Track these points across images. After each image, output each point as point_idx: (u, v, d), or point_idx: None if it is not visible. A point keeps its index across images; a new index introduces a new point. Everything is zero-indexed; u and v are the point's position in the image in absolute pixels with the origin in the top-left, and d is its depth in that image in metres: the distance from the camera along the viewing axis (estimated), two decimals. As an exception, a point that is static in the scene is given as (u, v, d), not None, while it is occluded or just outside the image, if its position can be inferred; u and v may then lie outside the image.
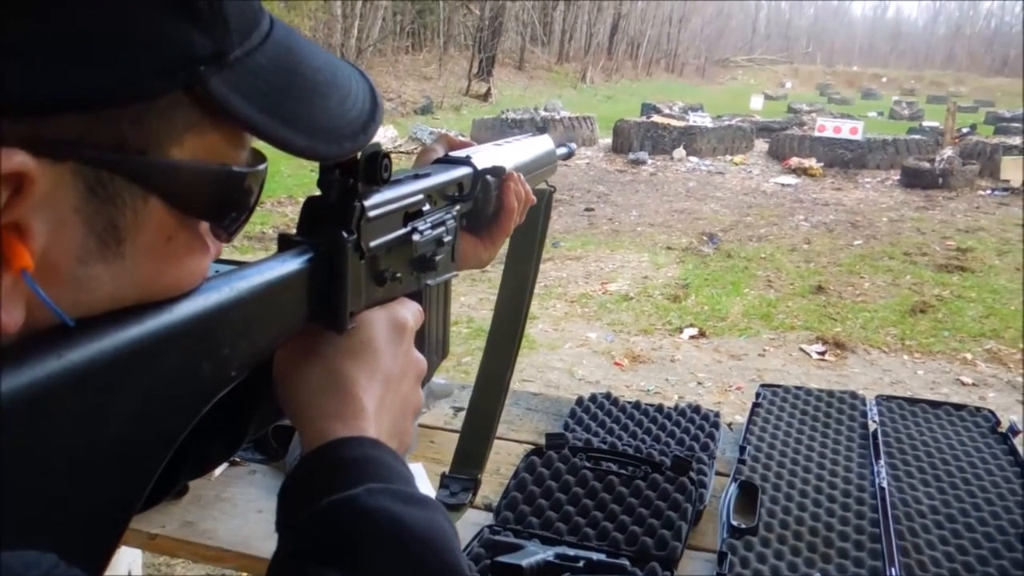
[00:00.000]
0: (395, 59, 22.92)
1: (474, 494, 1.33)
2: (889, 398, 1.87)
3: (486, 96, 22.04)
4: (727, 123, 14.86)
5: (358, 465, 0.50)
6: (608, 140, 14.13)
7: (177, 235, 0.43)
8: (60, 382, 0.36)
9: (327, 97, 0.47)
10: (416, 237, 0.64)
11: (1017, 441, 1.68)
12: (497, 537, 1.27)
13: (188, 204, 0.42)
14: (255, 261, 0.51)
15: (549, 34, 34.09)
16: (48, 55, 0.34)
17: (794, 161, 12.43)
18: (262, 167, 0.47)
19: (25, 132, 0.34)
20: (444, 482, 1.34)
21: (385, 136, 13.10)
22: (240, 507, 1.39)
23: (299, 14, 17.14)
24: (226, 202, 0.45)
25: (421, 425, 1.71)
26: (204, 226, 0.45)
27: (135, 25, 0.36)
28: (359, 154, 0.55)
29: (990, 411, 1.81)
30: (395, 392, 0.58)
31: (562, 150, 1.12)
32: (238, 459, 1.51)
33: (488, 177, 0.80)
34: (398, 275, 0.62)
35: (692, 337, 5.29)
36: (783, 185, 11.38)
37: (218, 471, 1.48)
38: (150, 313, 0.42)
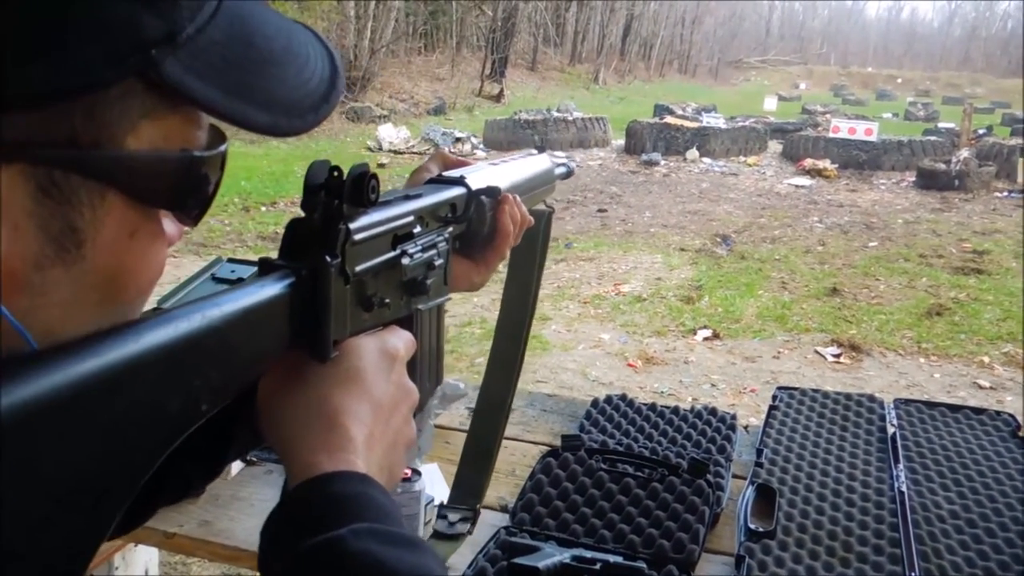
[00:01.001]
0: (408, 60, 22.97)
1: (473, 524, 1.31)
2: (907, 401, 1.86)
3: (498, 97, 22.05)
4: (740, 124, 14.81)
5: (344, 503, 0.47)
6: (621, 141, 14.11)
7: (141, 228, 0.40)
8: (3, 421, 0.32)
9: (284, 68, 0.44)
10: (405, 261, 0.62)
11: (1038, 445, 1.66)
12: (513, 539, 1.26)
13: (149, 195, 0.40)
14: (233, 287, 0.48)
15: (562, 35, 34.08)
16: None
17: (808, 162, 12.38)
18: (223, 147, 0.45)
19: None
20: (442, 512, 1.32)
21: (398, 137, 13.13)
22: (256, 507, 1.39)
23: (312, 15, 17.19)
24: (189, 188, 0.42)
25: (436, 426, 1.71)
26: (163, 213, 0.43)
27: (79, 11, 0.34)
28: (345, 175, 0.52)
29: (1010, 415, 1.80)
30: (386, 424, 0.55)
31: (560, 169, 1.08)
32: (254, 459, 1.51)
33: (483, 198, 0.77)
34: (387, 300, 0.59)
35: (706, 339, 5.27)
36: (797, 186, 11.32)
37: (234, 471, 1.48)
38: (108, 343, 0.38)
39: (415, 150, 12.45)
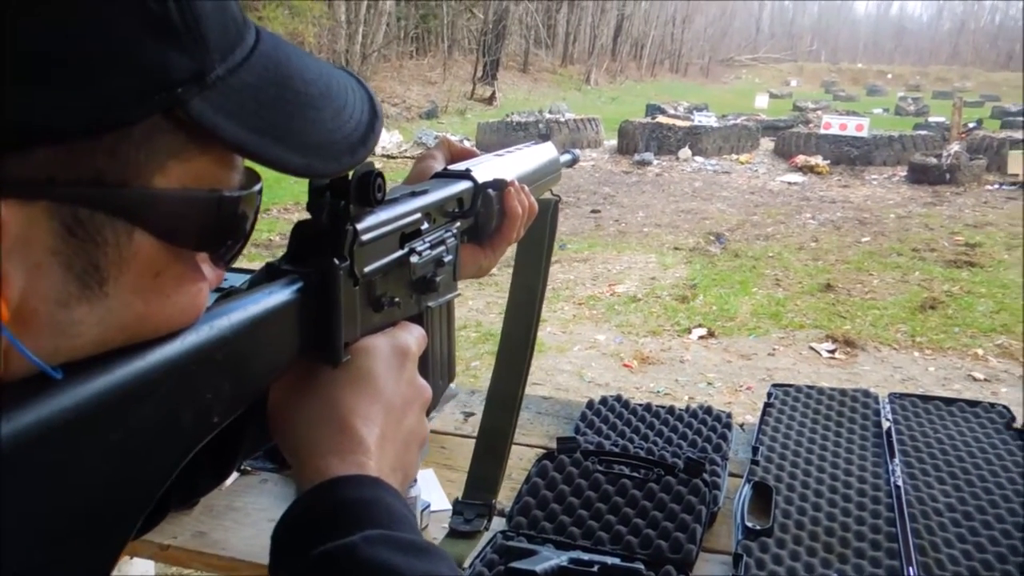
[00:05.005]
0: (399, 64, 22.98)
1: (489, 520, 1.31)
2: (902, 396, 1.85)
3: (491, 100, 22.07)
4: (732, 122, 14.83)
5: (356, 508, 0.47)
6: (613, 141, 14.12)
7: (167, 270, 0.40)
8: (15, 443, 0.32)
9: (321, 111, 0.44)
10: (414, 259, 0.61)
11: (1033, 437, 1.66)
12: (510, 543, 1.26)
13: (178, 235, 0.39)
14: (241, 294, 0.48)
15: (553, 37, 34.12)
16: (10, 85, 0.31)
17: (800, 159, 12.40)
18: (256, 188, 0.45)
19: None
20: (457, 508, 1.32)
21: (391, 141, 13.12)
22: (252, 516, 1.38)
23: (303, 20, 17.19)
24: (220, 230, 0.42)
25: (431, 431, 1.70)
26: (201, 255, 0.43)
27: (105, 48, 0.33)
28: (350, 174, 0.52)
29: (1005, 407, 1.80)
30: (398, 423, 0.55)
31: (566, 157, 1.07)
32: (249, 468, 1.51)
33: (490, 191, 0.77)
34: (396, 299, 0.59)
35: (701, 337, 5.28)
36: (790, 183, 11.35)
37: (229, 481, 1.48)
38: (119, 361, 0.38)
39: (408, 154, 12.44)
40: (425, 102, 19.35)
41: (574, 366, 4.74)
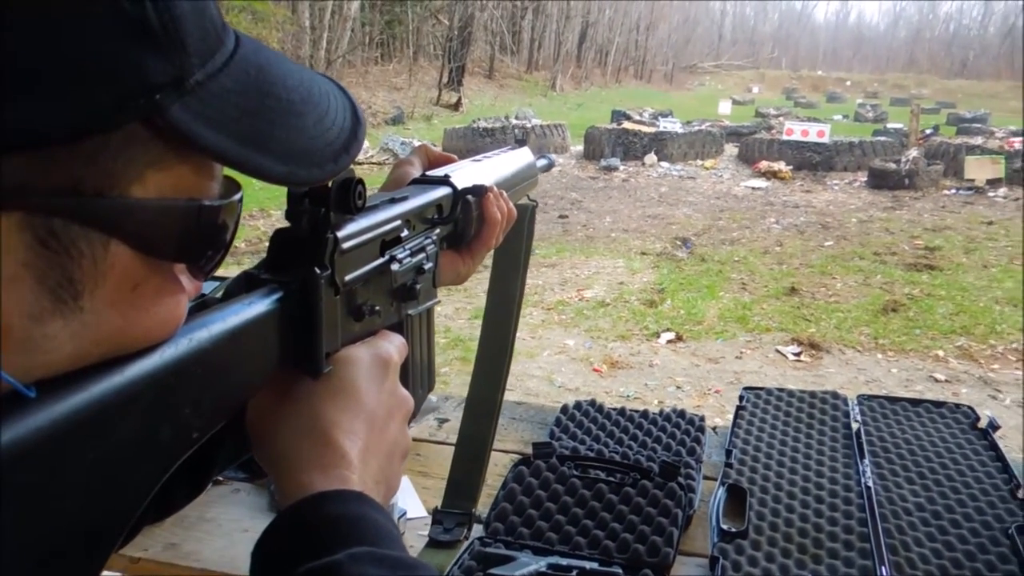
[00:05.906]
0: (365, 70, 22.89)
1: (469, 529, 1.30)
2: (870, 397, 1.88)
3: (457, 105, 22.07)
4: (697, 128, 15.00)
5: (340, 525, 0.46)
6: (580, 147, 14.21)
7: (145, 282, 0.39)
8: None
9: (303, 117, 0.43)
10: (395, 267, 0.61)
11: (996, 436, 1.69)
12: (488, 549, 1.26)
13: (156, 246, 0.38)
14: (220, 304, 0.47)
15: (518, 43, 34.25)
16: None
17: (763, 165, 12.59)
18: (237, 197, 0.43)
19: None
20: (437, 517, 1.31)
21: (356, 147, 13.04)
22: (225, 527, 1.36)
23: (267, 26, 17.03)
24: (200, 240, 0.41)
25: (406, 438, 1.69)
26: (179, 266, 0.41)
27: (82, 53, 0.32)
28: (330, 182, 0.51)
29: (969, 407, 1.83)
30: (381, 434, 0.54)
31: (542, 162, 1.07)
32: (221, 478, 1.48)
33: (469, 197, 0.76)
34: (377, 308, 0.58)
35: (669, 341, 5.32)
36: (754, 188, 11.50)
37: (200, 491, 1.45)
38: (96, 376, 0.37)
39: (374, 160, 12.39)
40: (391, 108, 19.30)
41: (544, 371, 4.74)
